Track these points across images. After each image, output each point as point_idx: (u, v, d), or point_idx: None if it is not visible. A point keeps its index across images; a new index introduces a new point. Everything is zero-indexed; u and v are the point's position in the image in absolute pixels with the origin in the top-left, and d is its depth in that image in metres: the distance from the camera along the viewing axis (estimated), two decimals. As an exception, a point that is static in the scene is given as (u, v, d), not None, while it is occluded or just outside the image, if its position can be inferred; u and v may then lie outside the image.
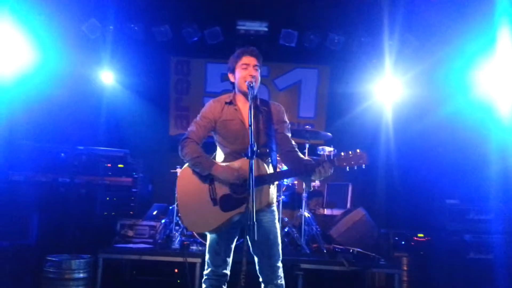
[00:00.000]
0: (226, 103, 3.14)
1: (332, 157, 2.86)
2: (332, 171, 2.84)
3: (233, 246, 3.06)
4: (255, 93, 3.04)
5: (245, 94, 3.06)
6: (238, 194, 2.91)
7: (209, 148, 3.23)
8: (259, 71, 3.11)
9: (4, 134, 5.11)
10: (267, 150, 3.07)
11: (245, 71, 3.05)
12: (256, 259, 3.03)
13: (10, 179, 5.32)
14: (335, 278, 5.03)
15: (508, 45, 5.08)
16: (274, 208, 3.11)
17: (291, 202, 5.66)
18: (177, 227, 4.99)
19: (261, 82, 3.26)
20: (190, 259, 4.51)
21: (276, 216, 3.11)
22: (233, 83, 3.18)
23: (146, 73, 6.96)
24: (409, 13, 5.82)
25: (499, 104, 5.31)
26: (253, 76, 3.02)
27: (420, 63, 6.10)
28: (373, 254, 4.63)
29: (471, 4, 5.25)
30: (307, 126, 5.61)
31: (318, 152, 5.73)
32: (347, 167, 2.82)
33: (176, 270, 4.98)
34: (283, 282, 3.05)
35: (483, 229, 4.98)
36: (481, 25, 5.23)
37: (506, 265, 4.69)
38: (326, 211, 6.02)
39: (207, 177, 2.98)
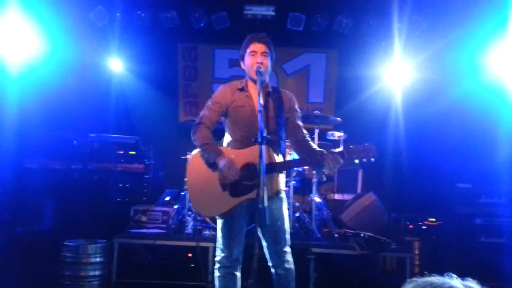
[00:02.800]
0: (238, 89, 3.16)
1: (342, 150, 2.87)
2: (342, 163, 2.85)
3: (245, 230, 3.08)
4: (265, 80, 3.06)
5: (255, 81, 3.07)
6: (247, 181, 2.93)
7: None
8: (269, 58, 3.12)
9: (16, 123, 5.14)
10: (276, 138, 3.09)
11: (253, 58, 3.08)
12: (264, 244, 3.06)
13: (23, 167, 5.39)
14: (346, 262, 5.08)
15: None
16: (283, 195, 3.14)
17: (302, 187, 5.67)
18: (189, 213, 5.03)
19: (269, 68, 3.25)
20: (202, 244, 4.56)
21: (285, 203, 3.14)
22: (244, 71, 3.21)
23: (154, 60, 6.95)
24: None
25: (510, 87, 5.27)
26: (260, 62, 3.03)
27: (430, 45, 6.02)
28: (384, 238, 4.65)
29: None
30: (316, 111, 5.59)
31: (328, 137, 5.73)
32: (356, 160, 2.82)
33: (189, 255, 5.04)
34: (291, 266, 3.09)
35: (494, 213, 4.97)
36: (493, 6, 5.16)
37: (517, 249, 4.71)
38: (337, 196, 6.03)
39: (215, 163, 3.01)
